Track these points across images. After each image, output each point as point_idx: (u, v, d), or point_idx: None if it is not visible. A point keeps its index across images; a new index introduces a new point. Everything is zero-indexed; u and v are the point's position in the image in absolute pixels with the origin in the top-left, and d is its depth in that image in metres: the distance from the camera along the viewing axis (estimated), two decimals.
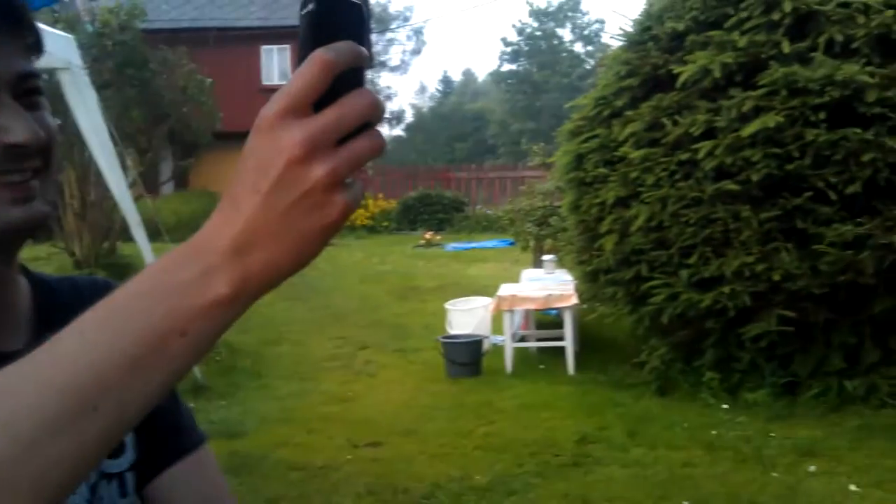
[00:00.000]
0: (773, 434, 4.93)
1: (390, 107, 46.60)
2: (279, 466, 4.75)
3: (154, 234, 7.71)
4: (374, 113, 0.49)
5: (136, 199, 7.19)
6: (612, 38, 6.84)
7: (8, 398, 0.47)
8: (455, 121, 46.07)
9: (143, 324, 0.48)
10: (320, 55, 0.47)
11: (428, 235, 17.39)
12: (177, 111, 18.85)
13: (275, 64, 22.52)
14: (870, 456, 4.52)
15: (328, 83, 0.47)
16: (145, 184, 9.51)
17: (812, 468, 4.41)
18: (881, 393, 5.18)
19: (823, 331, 5.30)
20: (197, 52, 19.35)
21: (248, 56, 22.02)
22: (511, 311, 6.90)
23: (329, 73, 0.47)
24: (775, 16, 5.28)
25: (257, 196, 0.48)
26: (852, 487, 4.13)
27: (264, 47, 22.30)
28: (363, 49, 0.49)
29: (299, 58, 0.48)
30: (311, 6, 0.48)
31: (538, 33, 44.46)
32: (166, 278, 0.49)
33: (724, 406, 5.46)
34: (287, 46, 22.24)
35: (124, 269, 9.46)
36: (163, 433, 0.85)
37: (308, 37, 0.48)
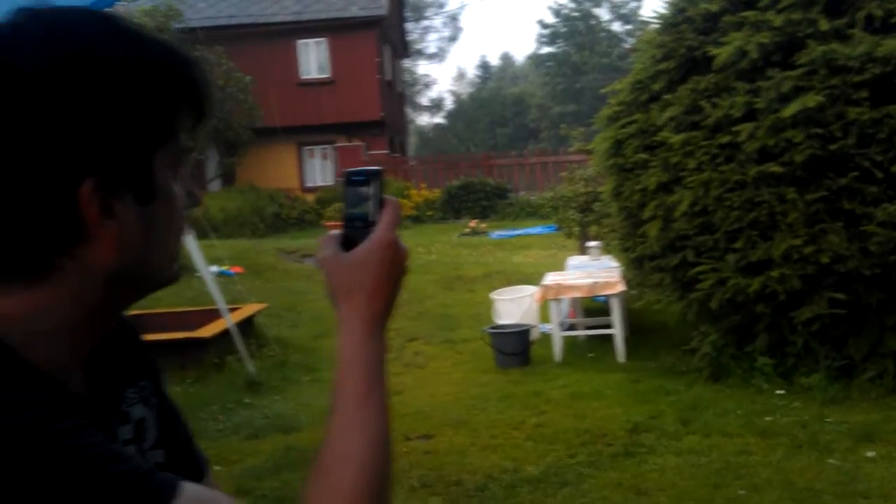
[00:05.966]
0: (828, 419, 4.85)
1: (429, 95, 46.73)
2: None
3: (202, 231, 7.77)
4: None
5: None
6: (647, 20, 6.75)
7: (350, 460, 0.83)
8: (495, 106, 45.87)
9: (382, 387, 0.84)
10: (396, 202, 0.87)
11: (473, 223, 17.42)
12: (218, 110, 19.10)
13: (312, 57, 22.55)
14: None
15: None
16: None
17: (870, 454, 4.33)
18: None
19: (877, 312, 5.18)
20: (234, 49, 19.53)
21: (284, 51, 22.10)
22: (557, 300, 6.90)
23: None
24: None
25: (391, 280, 0.85)
26: None
27: (300, 41, 22.35)
28: None
29: (376, 201, 0.85)
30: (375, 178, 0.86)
31: (575, 14, 44.00)
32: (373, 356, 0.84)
33: (779, 391, 5.39)
34: (323, 39, 22.26)
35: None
36: (182, 450, 0.93)
37: (378, 190, 0.86)
